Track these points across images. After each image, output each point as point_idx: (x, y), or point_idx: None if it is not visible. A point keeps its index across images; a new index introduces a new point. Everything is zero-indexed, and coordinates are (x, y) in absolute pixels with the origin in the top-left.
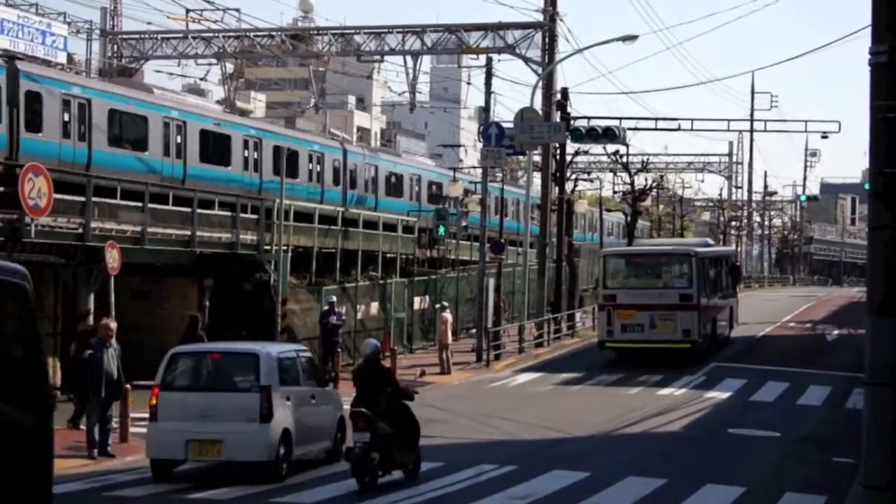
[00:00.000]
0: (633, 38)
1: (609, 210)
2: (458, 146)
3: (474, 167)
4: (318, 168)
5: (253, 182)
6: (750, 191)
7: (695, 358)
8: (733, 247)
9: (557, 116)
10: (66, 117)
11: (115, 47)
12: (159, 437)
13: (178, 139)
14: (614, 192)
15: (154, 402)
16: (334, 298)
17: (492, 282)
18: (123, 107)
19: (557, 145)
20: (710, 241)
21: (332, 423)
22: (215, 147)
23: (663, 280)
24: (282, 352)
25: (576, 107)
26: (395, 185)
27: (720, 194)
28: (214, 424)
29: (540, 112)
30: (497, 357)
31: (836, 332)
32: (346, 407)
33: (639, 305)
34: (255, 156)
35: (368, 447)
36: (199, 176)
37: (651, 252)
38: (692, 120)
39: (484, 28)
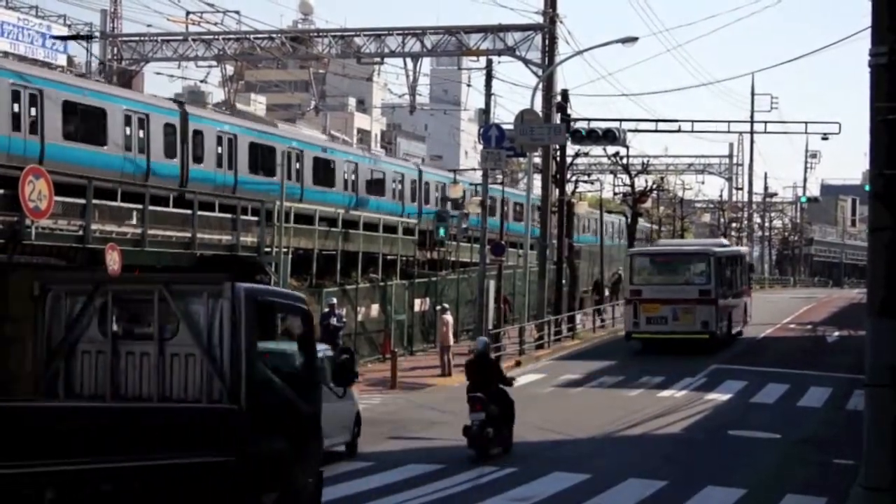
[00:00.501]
0: (633, 39)
1: (609, 212)
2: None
3: (474, 169)
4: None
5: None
6: (750, 192)
7: (712, 347)
8: (745, 248)
9: (558, 118)
10: (219, 150)
11: (115, 49)
12: None
13: (297, 165)
14: (615, 194)
15: None
16: (334, 300)
17: (492, 283)
18: (259, 140)
19: (558, 147)
20: (726, 241)
21: (351, 419)
22: (325, 171)
23: (684, 277)
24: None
25: (576, 108)
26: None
27: (720, 196)
28: None
29: (540, 114)
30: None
31: (836, 333)
32: (361, 406)
33: (662, 300)
34: (354, 178)
35: (483, 424)
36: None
37: (673, 252)
38: (692, 121)
39: (484, 30)
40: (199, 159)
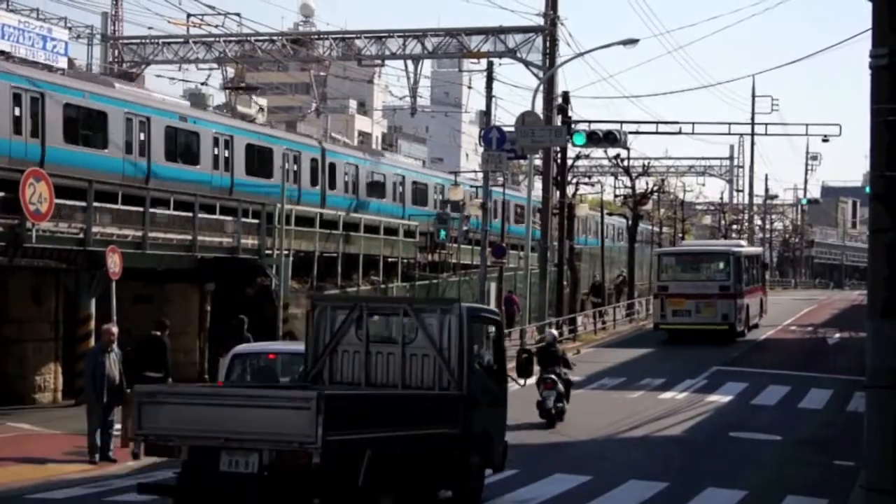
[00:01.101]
0: (634, 41)
1: (610, 214)
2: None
3: (476, 171)
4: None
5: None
6: (751, 194)
7: (731, 337)
8: (761, 248)
9: (558, 120)
10: (346, 178)
11: (116, 52)
12: None
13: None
14: (615, 196)
15: None
16: None
17: (493, 285)
18: (371, 168)
19: (558, 149)
20: (744, 242)
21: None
22: (376, 186)
23: (706, 274)
24: None
25: (577, 110)
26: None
27: (721, 198)
28: None
29: (541, 116)
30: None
31: (837, 335)
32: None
33: (686, 295)
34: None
35: (554, 400)
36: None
37: (696, 251)
38: (693, 123)
39: (485, 32)
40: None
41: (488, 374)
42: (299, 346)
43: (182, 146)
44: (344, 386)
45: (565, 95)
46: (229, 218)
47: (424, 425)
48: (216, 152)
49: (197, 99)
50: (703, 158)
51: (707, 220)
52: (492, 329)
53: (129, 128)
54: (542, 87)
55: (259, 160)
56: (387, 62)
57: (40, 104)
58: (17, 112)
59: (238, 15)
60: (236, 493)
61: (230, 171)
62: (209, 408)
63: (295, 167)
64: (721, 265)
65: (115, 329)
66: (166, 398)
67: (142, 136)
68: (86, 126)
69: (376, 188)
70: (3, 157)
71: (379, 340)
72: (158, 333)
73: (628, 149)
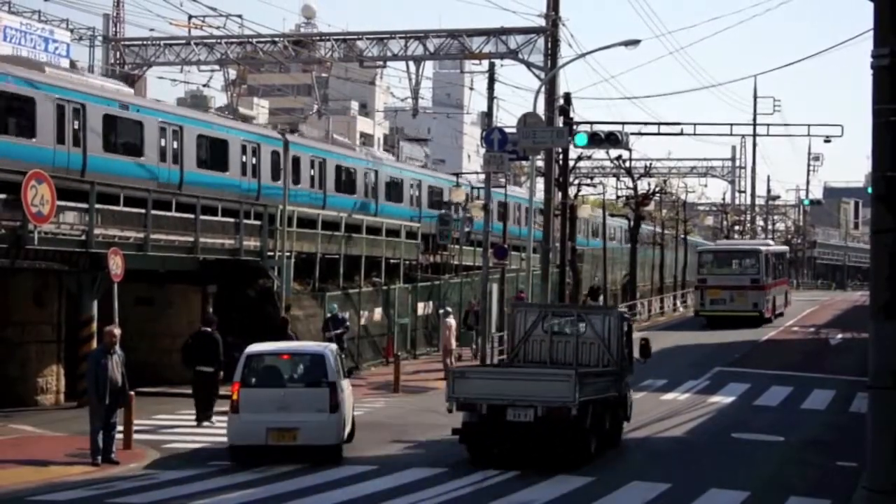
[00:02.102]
0: (635, 42)
1: (612, 215)
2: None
3: (477, 172)
4: None
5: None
6: (753, 195)
7: (759, 322)
8: (786, 247)
9: (560, 121)
10: (312, 173)
11: (118, 54)
12: (241, 427)
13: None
14: (617, 197)
15: (236, 397)
16: (336, 306)
17: (495, 287)
18: (342, 162)
19: (560, 150)
20: (771, 242)
21: (351, 408)
22: (346, 181)
23: (739, 269)
24: (334, 350)
25: (579, 111)
26: None
27: (723, 199)
28: (290, 415)
29: (543, 117)
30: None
31: (839, 335)
32: (363, 409)
33: (722, 286)
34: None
35: None
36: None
37: (731, 249)
38: (695, 124)
39: (486, 33)
40: (297, 181)
41: (627, 355)
42: (315, 347)
43: (123, 136)
44: (535, 364)
45: (567, 96)
46: (231, 220)
47: (606, 390)
48: (163, 143)
49: (198, 100)
50: (705, 159)
51: (709, 221)
52: (625, 325)
53: (60, 115)
54: (543, 88)
55: (212, 152)
56: (388, 63)
57: None
58: None
59: (240, 16)
60: (518, 434)
61: (179, 163)
62: (500, 381)
63: (254, 160)
64: (751, 261)
65: (117, 331)
66: (472, 375)
67: (76, 125)
68: (9, 113)
69: (347, 183)
70: None
71: (558, 333)
72: (209, 329)
73: (630, 150)
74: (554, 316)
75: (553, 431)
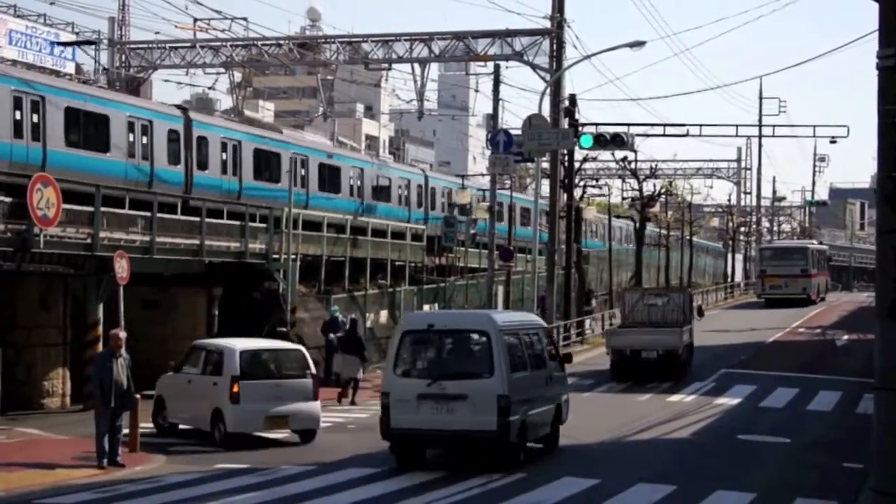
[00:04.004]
0: (640, 44)
1: (618, 216)
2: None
3: (482, 174)
4: None
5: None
6: (759, 196)
7: (808, 303)
8: (826, 246)
9: (566, 123)
10: (224, 157)
11: (123, 57)
12: (241, 416)
13: (303, 171)
14: (623, 199)
15: (236, 389)
16: (336, 308)
17: (500, 288)
18: (263, 146)
19: (566, 152)
20: (815, 242)
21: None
22: (330, 176)
23: (792, 261)
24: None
25: (584, 113)
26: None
27: (729, 200)
28: (283, 404)
29: (548, 119)
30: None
31: (845, 336)
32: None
33: (779, 275)
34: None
35: None
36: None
37: (785, 247)
38: (700, 126)
39: (491, 35)
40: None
41: (691, 316)
42: (299, 346)
43: None
44: (639, 325)
45: (572, 98)
46: (236, 223)
47: (690, 338)
48: (18, 117)
49: (203, 103)
50: (711, 160)
51: (715, 222)
52: (690, 299)
53: None
54: (548, 90)
55: (87, 130)
56: (394, 66)
57: None
58: None
59: (245, 19)
60: (649, 365)
61: (41, 141)
62: (636, 336)
63: (143, 140)
64: (801, 256)
65: (122, 334)
66: (619, 333)
67: None
68: None
69: (269, 170)
70: None
71: (652, 305)
72: (284, 330)
73: (635, 151)
74: (649, 296)
75: (669, 363)
